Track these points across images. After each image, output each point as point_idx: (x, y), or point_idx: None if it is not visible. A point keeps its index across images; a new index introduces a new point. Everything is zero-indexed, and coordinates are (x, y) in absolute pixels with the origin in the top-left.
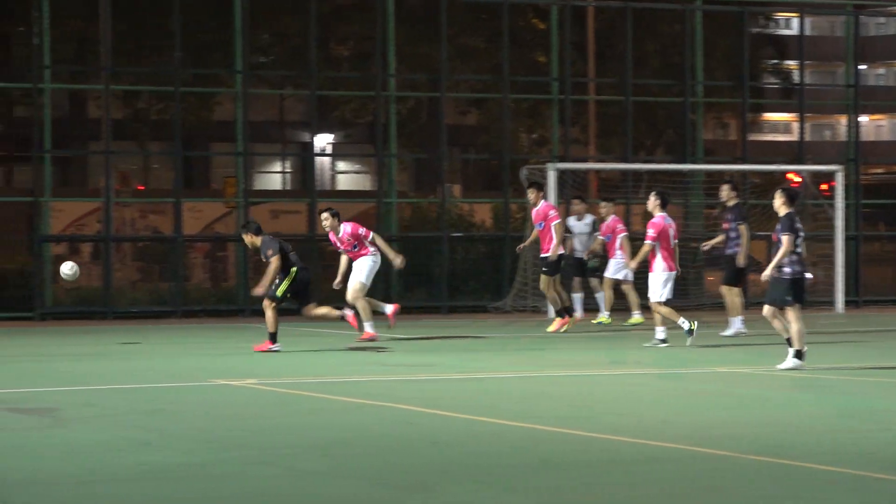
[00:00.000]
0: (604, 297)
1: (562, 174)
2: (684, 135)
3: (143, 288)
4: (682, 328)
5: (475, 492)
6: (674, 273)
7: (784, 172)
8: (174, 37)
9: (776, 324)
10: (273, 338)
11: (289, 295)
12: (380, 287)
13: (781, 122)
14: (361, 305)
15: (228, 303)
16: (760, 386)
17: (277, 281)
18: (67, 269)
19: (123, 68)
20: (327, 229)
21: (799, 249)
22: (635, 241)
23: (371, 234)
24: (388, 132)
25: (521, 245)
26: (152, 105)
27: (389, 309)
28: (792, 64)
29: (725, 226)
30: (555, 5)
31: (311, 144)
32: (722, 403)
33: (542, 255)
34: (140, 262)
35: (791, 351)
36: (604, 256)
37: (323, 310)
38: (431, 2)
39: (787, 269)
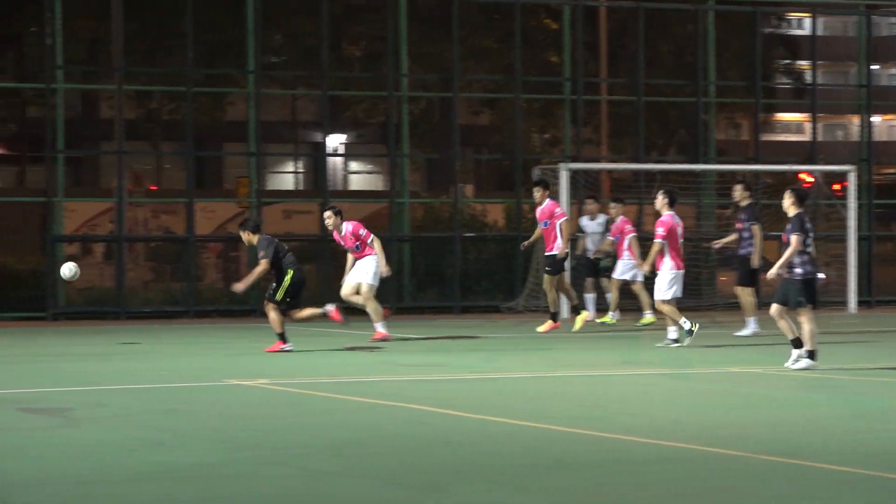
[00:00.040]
0: (611, 297)
1: (574, 174)
2: (696, 135)
3: (156, 288)
4: (683, 328)
5: (488, 492)
6: (681, 272)
7: (796, 172)
8: (186, 37)
9: (782, 324)
10: (283, 337)
11: (288, 299)
12: (392, 287)
13: (794, 123)
14: (372, 307)
15: (241, 303)
16: (772, 386)
17: (275, 285)
18: (67, 270)
19: (136, 68)
20: (330, 228)
21: (809, 249)
22: (646, 241)
23: (371, 236)
24: (401, 132)
25: (525, 243)
26: (165, 105)
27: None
28: (804, 64)
29: (738, 226)
30: (567, 5)
31: (323, 144)
32: (734, 403)
33: (547, 254)
34: (152, 263)
35: (795, 353)
36: (615, 256)
37: (307, 311)
38: (444, 2)
39: (798, 270)
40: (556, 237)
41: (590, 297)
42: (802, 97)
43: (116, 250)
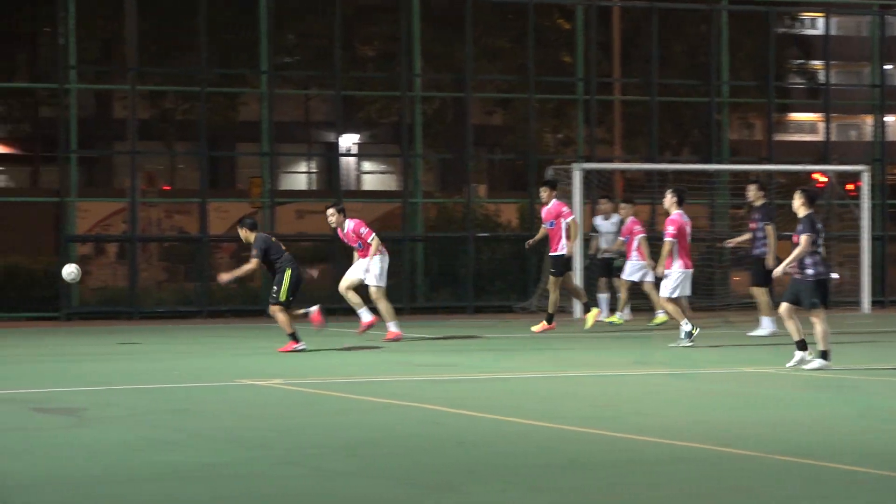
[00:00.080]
0: (620, 297)
1: (587, 174)
2: (710, 135)
3: (169, 288)
4: (684, 328)
5: (501, 491)
6: (690, 271)
7: (810, 172)
8: (200, 37)
9: (790, 324)
10: (294, 337)
11: (291, 298)
12: (406, 286)
13: (807, 123)
14: (383, 307)
15: (254, 303)
16: (785, 386)
17: (276, 287)
18: (67, 272)
19: (149, 68)
20: (333, 225)
21: (820, 250)
22: (658, 241)
23: (372, 235)
24: (414, 132)
25: (530, 241)
26: (178, 105)
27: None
28: (817, 64)
29: (752, 226)
30: (580, 5)
31: (336, 145)
32: (746, 403)
33: (551, 254)
34: (166, 262)
35: (798, 354)
36: (626, 256)
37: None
38: (457, 2)
39: (810, 271)
40: (560, 238)
41: (603, 297)
42: (816, 97)
43: (130, 250)
